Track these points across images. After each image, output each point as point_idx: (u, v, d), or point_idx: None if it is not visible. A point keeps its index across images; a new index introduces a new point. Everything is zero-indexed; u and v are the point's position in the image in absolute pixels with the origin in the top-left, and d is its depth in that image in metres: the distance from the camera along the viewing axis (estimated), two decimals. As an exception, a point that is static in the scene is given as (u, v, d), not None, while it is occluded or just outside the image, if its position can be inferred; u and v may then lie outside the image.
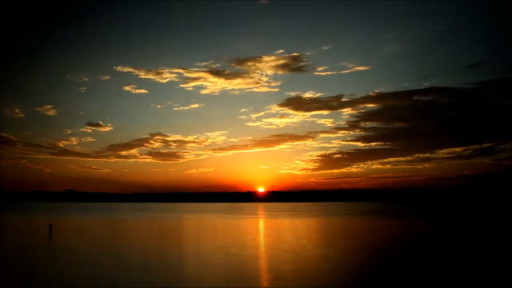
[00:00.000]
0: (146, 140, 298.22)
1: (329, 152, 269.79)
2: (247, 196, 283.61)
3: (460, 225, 52.32)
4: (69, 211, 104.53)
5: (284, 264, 22.05)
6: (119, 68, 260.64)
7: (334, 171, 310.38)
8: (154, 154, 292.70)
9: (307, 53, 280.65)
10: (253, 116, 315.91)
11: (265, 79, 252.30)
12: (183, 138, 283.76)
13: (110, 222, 62.68)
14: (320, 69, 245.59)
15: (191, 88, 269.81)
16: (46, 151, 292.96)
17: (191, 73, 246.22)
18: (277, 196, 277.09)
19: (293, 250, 27.73)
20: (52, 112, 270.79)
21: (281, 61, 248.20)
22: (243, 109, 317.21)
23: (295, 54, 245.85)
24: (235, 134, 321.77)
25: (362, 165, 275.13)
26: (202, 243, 33.64)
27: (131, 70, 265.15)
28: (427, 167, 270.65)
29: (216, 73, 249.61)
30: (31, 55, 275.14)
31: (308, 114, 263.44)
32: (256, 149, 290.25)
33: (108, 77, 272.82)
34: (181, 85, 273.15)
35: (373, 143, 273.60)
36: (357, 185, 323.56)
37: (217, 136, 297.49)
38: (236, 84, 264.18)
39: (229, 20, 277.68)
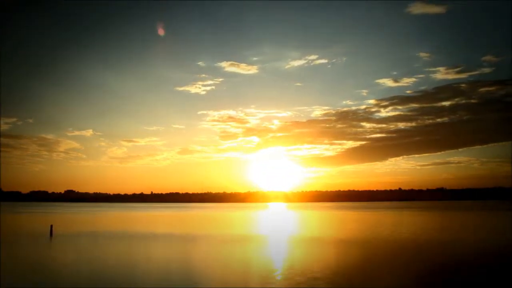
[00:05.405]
0: (145, 142, 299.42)
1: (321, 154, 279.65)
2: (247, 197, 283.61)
3: None
4: (68, 211, 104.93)
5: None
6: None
7: (329, 170, 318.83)
8: (153, 156, 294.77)
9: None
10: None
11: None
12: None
13: (109, 222, 63.42)
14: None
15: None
16: (46, 151, 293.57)
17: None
18: (279, 197, 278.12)
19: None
20: (53, 113, 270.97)
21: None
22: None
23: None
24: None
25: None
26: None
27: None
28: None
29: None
30: (36, 59, 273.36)
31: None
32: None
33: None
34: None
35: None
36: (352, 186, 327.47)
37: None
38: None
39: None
